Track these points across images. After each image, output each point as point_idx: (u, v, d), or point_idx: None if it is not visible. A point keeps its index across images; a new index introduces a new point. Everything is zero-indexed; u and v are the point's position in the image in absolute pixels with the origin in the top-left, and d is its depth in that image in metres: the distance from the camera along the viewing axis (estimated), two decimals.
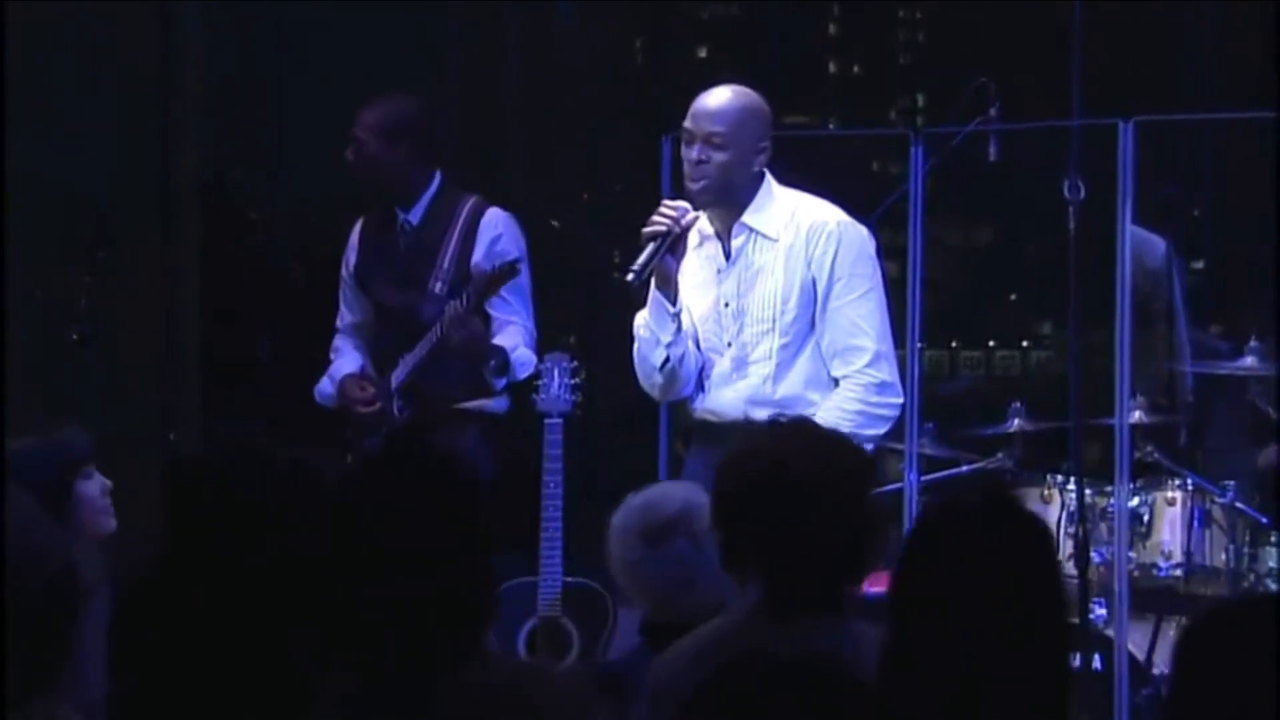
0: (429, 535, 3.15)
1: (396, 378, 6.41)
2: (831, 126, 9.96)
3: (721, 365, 5.51)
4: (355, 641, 3.14)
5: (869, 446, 5.32)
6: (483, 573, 3.21)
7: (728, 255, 5.48)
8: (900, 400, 5.48)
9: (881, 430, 5.39)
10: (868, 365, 5.41)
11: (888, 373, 5.44)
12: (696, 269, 5.53)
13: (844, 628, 3.53)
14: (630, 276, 5.41)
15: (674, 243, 5.45)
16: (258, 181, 8.60)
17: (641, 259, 5.39)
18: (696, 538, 4.04)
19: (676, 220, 5.42)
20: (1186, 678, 2.82)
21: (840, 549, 3.55)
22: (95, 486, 5.04)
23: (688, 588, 4.03)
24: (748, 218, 5.46)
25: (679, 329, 5.47)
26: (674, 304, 5.47)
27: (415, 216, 6.49)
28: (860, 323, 5.41)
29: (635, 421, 7.46)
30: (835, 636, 3.46)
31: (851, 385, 5.40)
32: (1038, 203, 7.43)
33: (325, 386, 6.62)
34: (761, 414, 5.39)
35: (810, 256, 5.41)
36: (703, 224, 5.53)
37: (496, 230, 6.45)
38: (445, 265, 6.41)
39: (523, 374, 6.33)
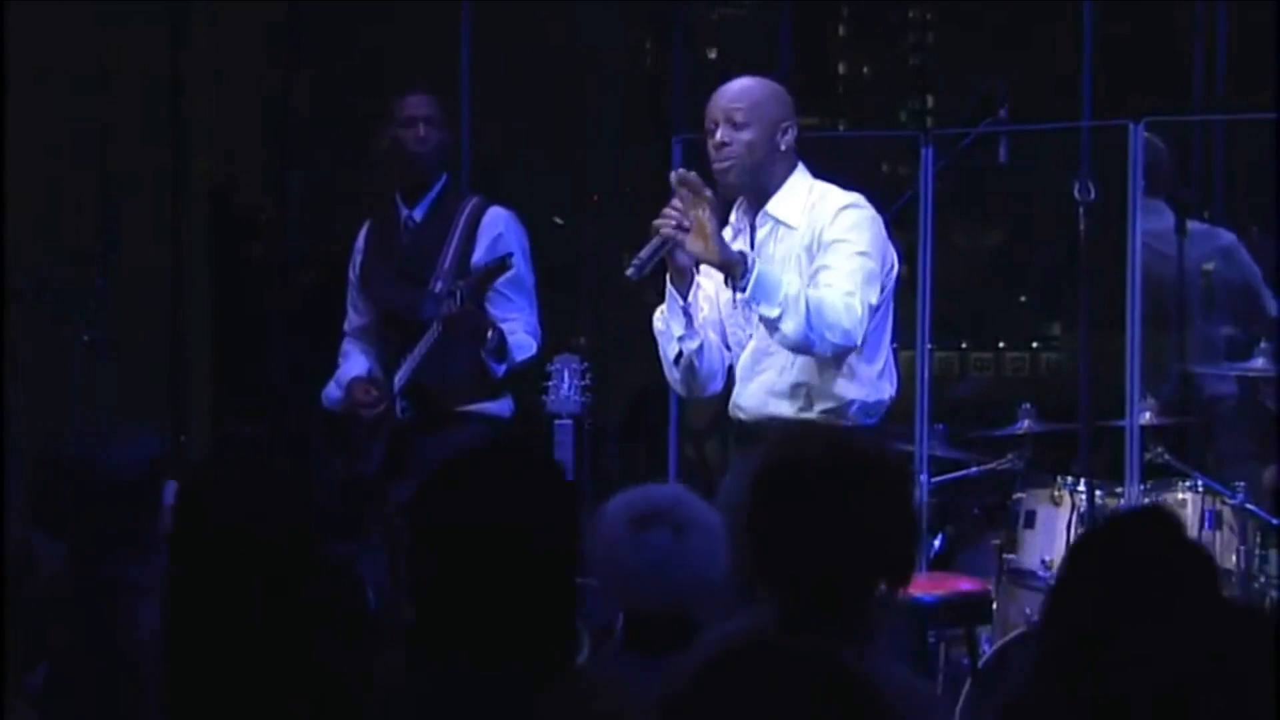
0: (528, 533, 3.13)
1: (398, 379, 6.41)
2: (841, 128, 9.98)
3: (743, 359, 5.49)
4: (447, 650, 3.11)
5: (785, 326, 5.17)
6: (572, 569, 3.19)
7: (752, 246, 5.45)
8: (846, 346, 5.20)
9: (812, 338, 5.14)
10: (842, 295, 5.21)
11: (856, 312, 5.18)
12: None
13: (867, 642, 3.49)
14: (630, 271, 5.34)
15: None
16: (267, 185, 8.62)
17: (643, 254, 5.34)
18: (680, 530, 4.01)
19: (686, 214, 5.37)
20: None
21: (875, 558, 3.51)
22: (172, 489, 5.14)
23: (662, 578, 3.99)
24: (771, 206, 5.43)
25: (690, 322, 5.43)
26: (685, 298, 5.44)
27: (419, 213, 6.50)
28: (840, 274, 5.24)
29: (645, 423, 7.46)
30: (858, 650, 3.41)
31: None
32: (1048, 204, 7.44)
33: (332, 390, 6.63)
34: (782, 406, 5.38)
35: (814, 236, 5.37)
36: (735, 216, 5.51)
37: (498, 229, 6.45)
38: (446, 265, 6.41)
39: (520, 356, 6.32)
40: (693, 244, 5.22)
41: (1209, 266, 7.03)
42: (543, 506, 3.17)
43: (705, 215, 5.22)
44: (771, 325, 5.21)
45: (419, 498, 3.20)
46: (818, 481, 3.48)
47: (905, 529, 3.53)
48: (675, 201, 5.32)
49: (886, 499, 3.51)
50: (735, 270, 5.19)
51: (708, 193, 5.28)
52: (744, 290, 5.16)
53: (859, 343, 5.25)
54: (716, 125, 5.43)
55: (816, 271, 5.31)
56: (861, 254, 5.31)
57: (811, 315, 5.16)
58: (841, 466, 3.51)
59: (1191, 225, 7.06)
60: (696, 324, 5.45)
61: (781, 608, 3.51)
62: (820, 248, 5.33)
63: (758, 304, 5.17)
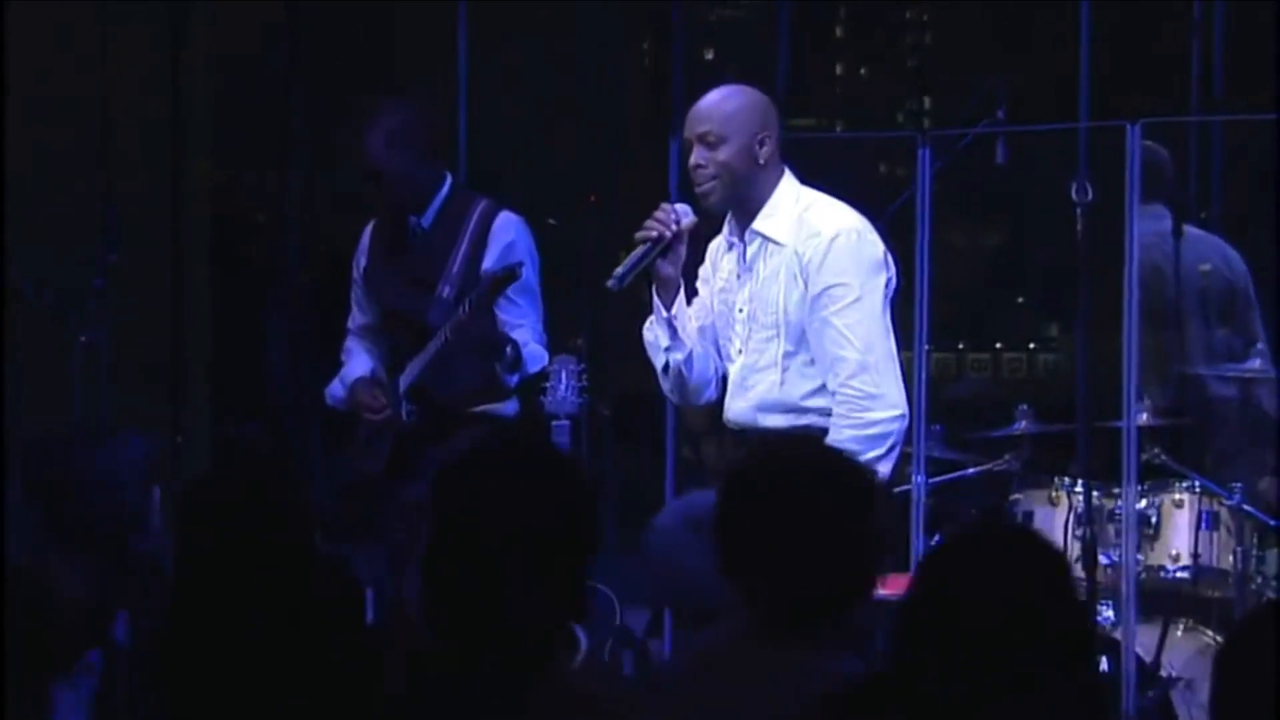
0: (542, 528, 3.16)
1: (404, 381, 6.42)
2: (839, 129, 9.98)
3: (734, 371, 5.45)
4: (453, 635, 3.15)
5: (884, 468, 5.11)
6: (583, 569, 3.22)
7: (744, 260, 5.42)
8: (897, 413, 5.23)
9: (880, 449, 5.11)
10: (851, 377, 5.20)
11: (873, 384, 5.20)
12: (724, 274, 5.48)
13: (837, 651, 3.50)
14: (611, 283, 5.30)
15: (667, 248, 5.36)
16: (267, 185, 8.63)
17: (625, 265, 5.31)
18: None
19: (667, 225, 5.35)
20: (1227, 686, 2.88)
21: (839, 570, 3.52)
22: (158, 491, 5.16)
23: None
24: (758, 223, 5.36)
25: (675, 334, 5.40)
26: (669, 309, 5.40)
27: (427, 220, 6.49)
28: (845, 332, 5.23)
29: (642, 424, 7.47)
30: (828, 658, 3.42)
31: (839, 406, 5.20)
32: (1046, 205, 7.44)
33: (336, 389, 6.63)
34: (771, 420, 5.35)
35: (803, 264, 5.31)
36: (727, 228, 5.49)
37: (510, 236, 6.45)
38: (455, 270, 6.41)
39: (533, 368, 6.33)
40: None
41: (1206, 267, 7.04)
42: (562, 502, 3.20)
43: None
44: None
45: (442, 486, 3.22)
46: (782, 489, 3.50)
47: (860, 548, 3.53)
48: (658, 212, 5.31)
49: (841, 516, 3.51)
50: None
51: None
52: None
53: (896, 402, 5.23)
54: (690, 145, 5.36)
55: (818, 328, 5.27)
56: (857, 300, 5.24)
57: (862, 451, 5.03)
58: (805, 474, 3.52)
59: (1197, 230, 7.07)
60: (683, 335, 5.41)
61: (755, 615, 3.52)
62: (814, 291, 5.27)
63: None
